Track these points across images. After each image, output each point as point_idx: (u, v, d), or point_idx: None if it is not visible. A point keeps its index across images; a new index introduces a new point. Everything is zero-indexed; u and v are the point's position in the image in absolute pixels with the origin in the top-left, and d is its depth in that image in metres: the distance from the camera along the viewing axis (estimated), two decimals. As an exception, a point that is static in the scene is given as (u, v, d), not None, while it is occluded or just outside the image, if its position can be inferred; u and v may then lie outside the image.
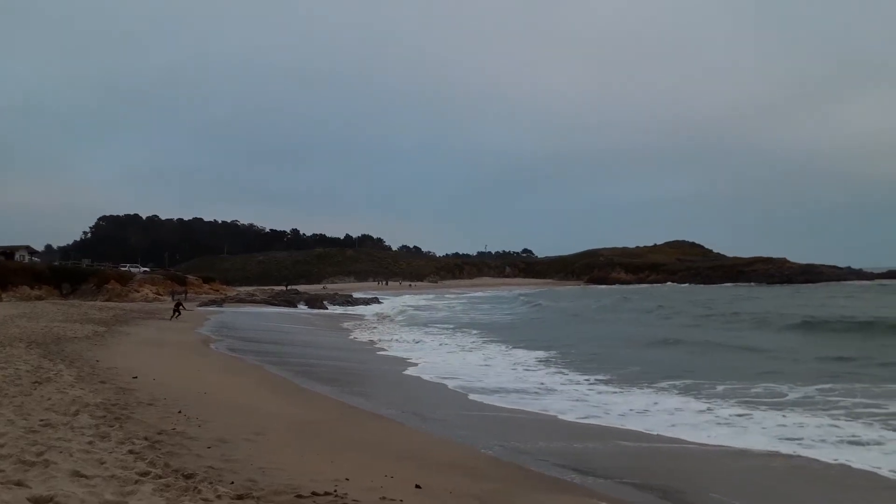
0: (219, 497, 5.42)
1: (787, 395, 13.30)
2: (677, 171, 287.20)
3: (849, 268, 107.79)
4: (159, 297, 54.84)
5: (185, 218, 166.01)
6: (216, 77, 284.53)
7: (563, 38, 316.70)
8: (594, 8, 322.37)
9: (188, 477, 5.96)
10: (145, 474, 5.80)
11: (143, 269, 74.75)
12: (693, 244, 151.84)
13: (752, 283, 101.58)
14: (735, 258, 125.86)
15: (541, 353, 20.99)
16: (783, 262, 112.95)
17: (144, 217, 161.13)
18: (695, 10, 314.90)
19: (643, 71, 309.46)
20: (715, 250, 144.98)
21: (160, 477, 5.80)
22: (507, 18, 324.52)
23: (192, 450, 7.22)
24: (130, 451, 6.63)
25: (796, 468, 8.53)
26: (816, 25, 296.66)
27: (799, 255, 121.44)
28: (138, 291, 55.29)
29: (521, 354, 21.14)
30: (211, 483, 5.85)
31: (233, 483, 6.00)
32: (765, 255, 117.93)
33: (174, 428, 8.18)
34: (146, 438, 7.37)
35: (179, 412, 9.26)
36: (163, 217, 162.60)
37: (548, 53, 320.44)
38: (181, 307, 35.19)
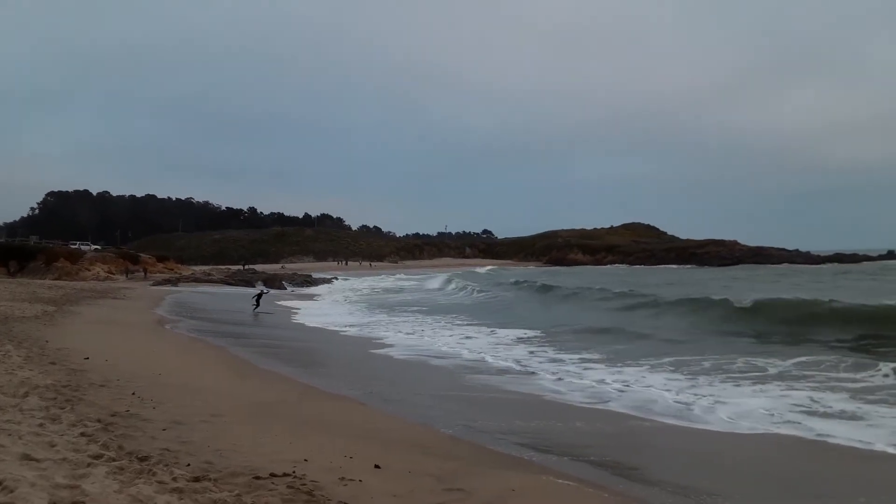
0: (174, 479, 5.35)
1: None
2: (632, 154, 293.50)
3: (797, 250, 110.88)
4: (111, 275, 53.52)
5: (138, 195, 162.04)
6: (173, 52, 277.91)
7: (519, 22, 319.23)
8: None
9: (143, 459, 5.88)
10: (98, 457, 5.70)
11: (94, 246, 72.72)
12: (648, 226, 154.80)
13: (696, 266, 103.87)
14: (688, 240, 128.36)
15: (509, 332, 21.21)
16: (734, 244, 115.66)
17: (95, 193, 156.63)
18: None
19: (597, 55, 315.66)
20: (669, 232, 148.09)
21: (114, 460, 5.70)
22: (465, 2, 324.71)
23: (147, 432, 7.11)
24: (82, 434, 6.50)
25: (757, 444, 8.82)
26: (759, 14, 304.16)
27: (749, 237, 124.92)
28: (89, 270, 53.82)
29: (473, 332, 21.32)
30: (166, 465, 5.78)
31: (189, 465, 5.94)
32: (717, 237, 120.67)
33: (128, 410, 8.04)
34: (99, 421, 7.23)
35: (133, 394, 9.10)
36: (114, 193, 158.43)
37: (504, 37, 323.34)
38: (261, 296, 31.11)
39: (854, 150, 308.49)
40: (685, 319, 23.95)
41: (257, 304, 29.55)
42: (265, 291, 32.16)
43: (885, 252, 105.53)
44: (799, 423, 9.65)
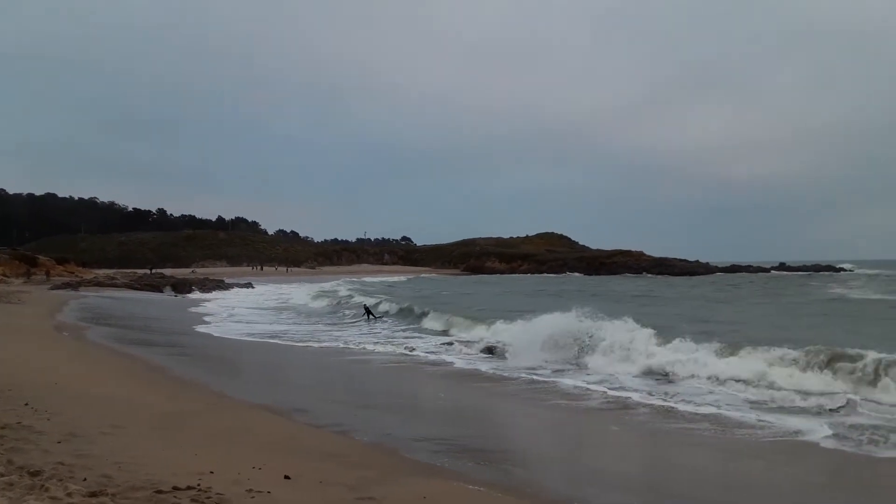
0: (69, 495, 5.10)
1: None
2: (548, 167, 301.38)
3: (697, 261, 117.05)
4: (6, 278, 50.24)
5: (37, 193, 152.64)
6: (78, 48, 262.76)
7: (440, 34, 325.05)
8: (471, 9, 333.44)
9: (34, 474, 5.57)
10: (-15, 473, 5.37)
11: (-14, 247, 68.14)
12: (561, 236, 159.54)
13: (609, 275, 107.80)
14: (598, 250, 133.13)
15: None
16: (640, 255, 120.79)
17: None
18: (561, 19, 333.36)
19: (515, 72, 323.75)
20: (581, 242, 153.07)
21: (2, 475, 5.39)
22: (388, 12, 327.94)
23: (40, 445, 6.73)
24: (-33, 449, 6.10)
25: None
26: (665, 39, 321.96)
27: (654, 248, 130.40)
28: (-20, 272, 50.38)
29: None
30: (61, 480, 5.49)
31: (85, 480, 5.66)
32: (624, 248, 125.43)
33: (19, 422, 7.58)
34: (-14, 433, 6.79)
35: (26, 405, 8.58)
36: (10, 191, 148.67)
37: (424, 48, 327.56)
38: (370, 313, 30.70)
39: (751, 168, 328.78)
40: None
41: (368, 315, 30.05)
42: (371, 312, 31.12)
43: (777, 264, 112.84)
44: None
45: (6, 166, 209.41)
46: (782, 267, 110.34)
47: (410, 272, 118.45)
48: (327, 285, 56.24)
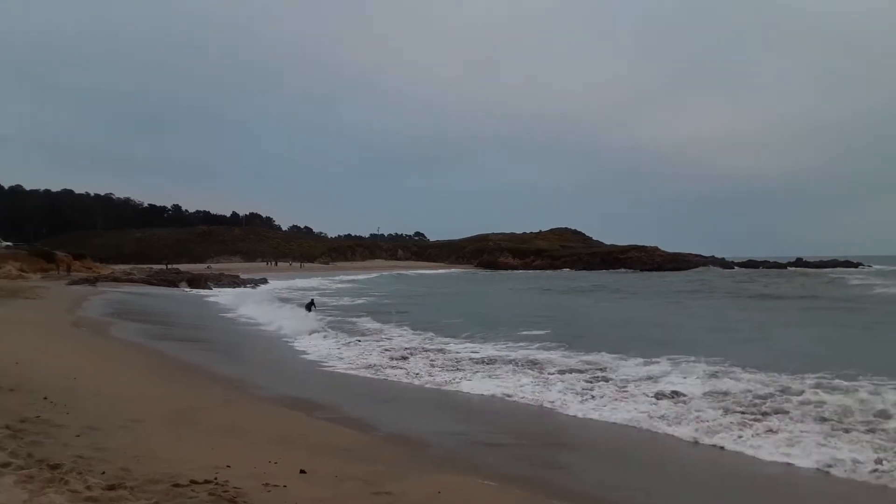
0: (88, 488, 5.15)
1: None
2: (557, 163, 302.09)
3: (713, 256, 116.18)
4: (24, 274, 50.80)
5: (54, 189, 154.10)
6: (96, 46, 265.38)
7: (445, 31, 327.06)
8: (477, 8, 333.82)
9: (54, 467, 5.62)
10: (6, 465, 5.42)
11: (5, 243, 68.96)
12: (574, 231, 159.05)
13: (626, 270, 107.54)
14: (612, 246, 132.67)
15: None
16: (654, 250, 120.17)
17: (6, 187, 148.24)
18: (564, 15, 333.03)
19: (520, 67, 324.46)
20: (594, 237, 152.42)
21: (22, 468, 5.44)
22: (393, 11, 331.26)
23: (60, 438, 6.80)
24: (-11, 442, 6.17)
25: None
26: (665, 31, 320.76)
27: (666, 243, 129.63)
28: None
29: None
30: (80, 473, 5.55)
31: (104, 473, 5.71)
32: (639, 243, 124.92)
33: (39, 416, 7.66)
34: (7, 427, 6.86)
35: (45, 398, 8.67)
36: (27, 188, 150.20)
37: (431, 45, 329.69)
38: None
39: (768, 161, 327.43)
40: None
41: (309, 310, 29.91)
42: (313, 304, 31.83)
43: (793, 259, 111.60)
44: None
45: (23, 163, 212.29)
46: (799, 262, 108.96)
47: (425, 267, 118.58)
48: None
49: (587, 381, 13.00)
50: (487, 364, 15.49)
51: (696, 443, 9.10)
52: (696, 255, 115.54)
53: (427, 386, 13.39)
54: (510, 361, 15.69)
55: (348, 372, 14.90)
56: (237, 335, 22.20)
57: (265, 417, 9.80)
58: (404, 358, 16.64)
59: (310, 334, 21.90)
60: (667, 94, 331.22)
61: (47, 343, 16.33)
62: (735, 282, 63.64)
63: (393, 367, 15.51)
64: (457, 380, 13.72)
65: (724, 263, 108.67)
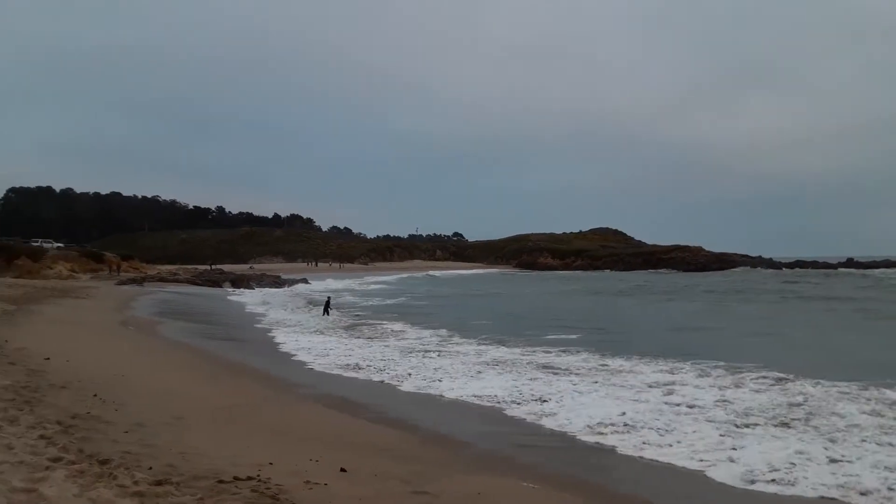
0: (136, 483, 5.28)
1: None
2: (598, 162, 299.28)
3: (759, 257, 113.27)
4: (74, 274, 52.41)
5: (103, 192, 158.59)
6: (145, 53, 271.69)
7: (486, 35, 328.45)
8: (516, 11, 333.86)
9: (103, 463, 5.77)
10: (57, 460, 5.59)
11: (56, 244, 71.12)
12: (616, 231, 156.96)
13: (667, 270, 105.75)
14: (654, 246, 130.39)
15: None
16: (699, 250, 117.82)
17: (58, 190, 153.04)
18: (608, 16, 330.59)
19: (557, 71, 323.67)
20: (636, 238, 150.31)
21: (73, 463, 5.60)
22: (439, 14, 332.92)
23: (108, 434, 6.99)
24: (41, 436, 6.36)
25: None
26: (711, 32, 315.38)
27: (715, 245, 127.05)
28: (52, 268, 52.56)
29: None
30: (128, 469, 5.69)
31: (151, 468, 5.85)
32: (682, 243, 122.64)
33: (89, 412, 7.89)
34: (59, 423, 7.08)
35: (95, 395, 8.93)
36: (78, 190, 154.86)
37: (472, 49, 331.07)
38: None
39: (813, 161, 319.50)
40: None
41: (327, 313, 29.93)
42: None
43: (844, 259, 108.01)
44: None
45: (74, 166, 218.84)
46: (850, 263, 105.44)
47: (464, 268, 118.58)
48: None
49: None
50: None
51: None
52: (742, 256, 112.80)
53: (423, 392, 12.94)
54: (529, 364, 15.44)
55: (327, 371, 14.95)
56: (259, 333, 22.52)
57: (307, 416, 9.91)
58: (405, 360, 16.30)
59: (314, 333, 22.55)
60: (715, 92, 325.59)
61: (97, 341, 16.81)
62: (779, 282, 62.09)
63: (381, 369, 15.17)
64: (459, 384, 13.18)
65: (772, 264, 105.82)
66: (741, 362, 14.67)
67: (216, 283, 52.65)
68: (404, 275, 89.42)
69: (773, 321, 27.94)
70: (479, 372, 14.57)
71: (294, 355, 17.11)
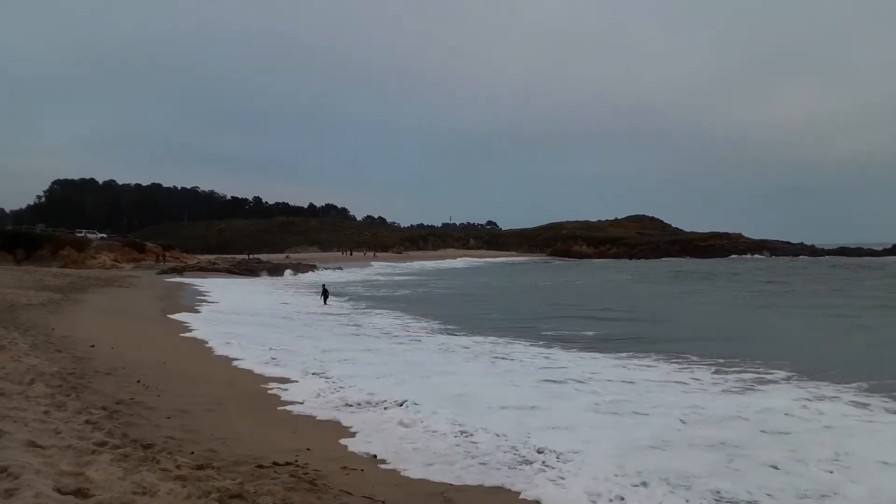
0: (178, 467, 5.40)
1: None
2: (633, 149, 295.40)
3: (801, 244, 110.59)
4: (117, 264, 53.70)
5: (144, 183, 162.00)
6: (183, 45, 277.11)
7: (520, 27, 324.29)
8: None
9: (147, 447, 5.92)
10: (103, 444, 5.74)
11: (100, 235, 72.87)
12: (652, 218, 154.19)
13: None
14: (692, 233, 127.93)
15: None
16: (738, 237, 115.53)
17: (101, 182, 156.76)
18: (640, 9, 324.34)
19: (593, 58, 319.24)
20: (674, 225, 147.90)
21: (118, 447, 5.75)
22: (463, 4, 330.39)
23: (151, 420, 7.17)
24: (87, 422, 6.55)
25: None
26: (755, 19, 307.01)
27: (753, 230, 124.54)
28: (95, 258, 54.01)
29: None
30: (170, 453, 5.83)
31: (192, 453, 5.99)
32: (720, 230, 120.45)
33: (133, 398, 8.10)
34: (104, 408, 7.28)
35: (138, 382, 9.16)
36: (120, 182, 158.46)
37: (506, 36, 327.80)
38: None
39: (856, 145, 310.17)
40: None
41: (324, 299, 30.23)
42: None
43: (889, 246, 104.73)
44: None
45: (117, 158, 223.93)
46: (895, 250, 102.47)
47: (498, 256, 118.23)
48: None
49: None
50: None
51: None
52: (784, 242, 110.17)
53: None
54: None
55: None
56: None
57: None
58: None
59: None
60: (754, 78, 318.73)
61: (139, 329, 17.23)
62: (821, 271, 60.23)
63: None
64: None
65: (814, 251, 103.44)
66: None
67: (253, 272, 53.40)
68: (435, 263, 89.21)
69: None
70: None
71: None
